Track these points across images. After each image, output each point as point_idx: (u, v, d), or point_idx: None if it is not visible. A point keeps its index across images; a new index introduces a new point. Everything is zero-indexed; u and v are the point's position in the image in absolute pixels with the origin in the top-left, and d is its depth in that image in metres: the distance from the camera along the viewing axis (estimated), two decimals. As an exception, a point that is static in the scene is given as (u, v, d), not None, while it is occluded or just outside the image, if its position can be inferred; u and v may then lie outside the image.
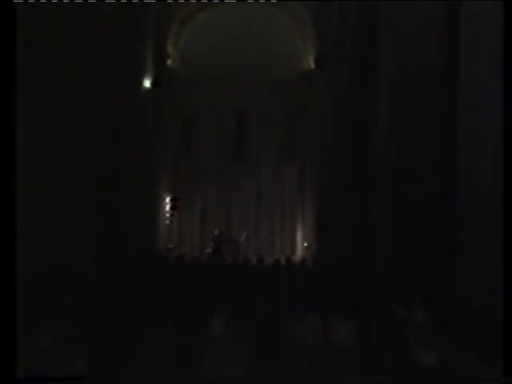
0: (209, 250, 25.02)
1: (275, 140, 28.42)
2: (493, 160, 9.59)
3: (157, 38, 22.17)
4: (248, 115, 28.74)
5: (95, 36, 13.20)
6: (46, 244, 10.95)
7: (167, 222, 25.53)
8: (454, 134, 10.86)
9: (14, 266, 5.16)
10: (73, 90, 12.26)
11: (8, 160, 5.26)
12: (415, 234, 11.52)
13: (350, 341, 6.80)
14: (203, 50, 26.04)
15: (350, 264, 14.38)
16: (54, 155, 11.60)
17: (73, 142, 12.22)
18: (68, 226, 12.01)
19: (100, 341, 6.59)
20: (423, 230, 11.43)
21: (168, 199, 25.30)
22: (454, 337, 7.37)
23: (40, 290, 8.13)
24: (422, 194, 11.62)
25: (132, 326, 6.93)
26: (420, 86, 11.79)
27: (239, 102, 27.85)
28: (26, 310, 5.30)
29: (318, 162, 22.85)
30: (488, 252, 9.54)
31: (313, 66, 24.82)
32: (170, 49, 25.25)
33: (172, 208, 25.46)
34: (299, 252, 26.32)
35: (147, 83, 20.52)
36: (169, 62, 25.26)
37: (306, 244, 25.63)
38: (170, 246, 24.98)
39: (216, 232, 25.82)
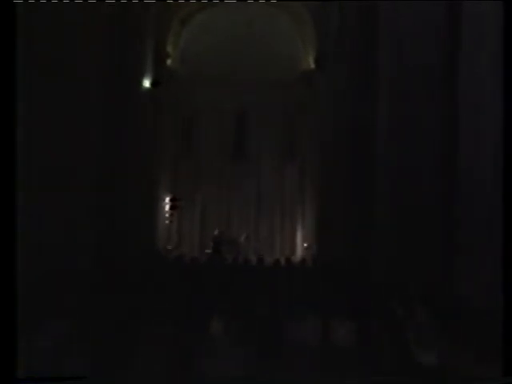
0: (208, 251, 25.01)
1: (275, 140, 28.42)
2: (493, 160, 9.58)
3: (157, 38, 22.16)
4: (248, 115, 28.74)
5: (95, 36, 13.19)
6: (45, 244, 10.94)
7: (167, 222, 25.52)
8: (454, 134, 10.85)
9: (14, 266, 5.16)
10: (73, 90, 12.25)
11: (8, 160, 5.26)
12: (415, 234, 11.51)
13: (350, 341, 6.80)
14: (203, 49, 26.05)
15: (349, 264, 14.38)
16: (54, 155, 11.60)
17: (73, 142, 12.22)
18: (68, 225, 12.01)
19: (100, 341, 6.59)
20: (423, 229, 11.42)
21: (168, 199, 25.29)
22: (454, 337, 7.37)
23: (40, 290, 8.13)
24: (422, 193, 11.61)
25: (132, 326, 6.93)
26: (420, 86, 11.78)
27: (239, 102, 27.85)
28: (26, 309, 5.29)
29: (318, 162, 22.85)
30: (488, 252, 9.53)
31: (313, 66, 24.82)
32: (169, 49, 25.25)
33: (172, 208, 25.45)
34: (299, 252, 26.32)
35: (147, 83, 20.51)
36: (169, 62, 25.26)
37: (305, 244, 25.63)
38: (170, 247, 24.98)
39: (216, 232, 25.82)
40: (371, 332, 7.09)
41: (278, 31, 26.01)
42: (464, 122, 10.65)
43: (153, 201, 22.44)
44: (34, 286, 7.59)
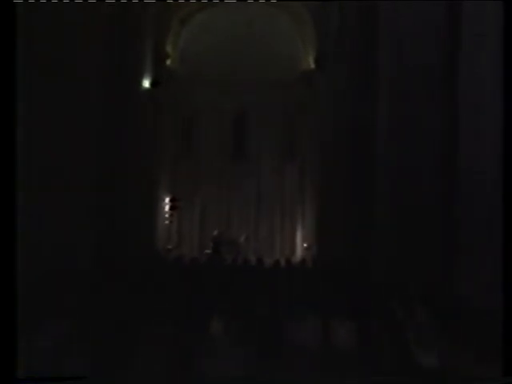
0: (208, 251, 25.00)
1: (275, 140, 28.40)
2: (493, 160, 9.58)
3: (156, 38, 22.17)
4: (248, 115, 28.73)
5: (95, 36, 13.20)
6: (46, 244, 10.95)
7: (167, 222, 25.50)
8: (454, 134, 10.85)
9: (14, 266, 5.16)
10: (73, 89, 12.26)
11: (8, 160, 5.26)
12: (415, 234, 11.51)
13: (350, 341, 6.80)
14: (203, 49, 26.04)
15: (350, 264, 14.38)
16: (54, 155, 11.60)
17: (73, 142, 12.22)
18: (68, 225, 12.01)
19: (100, 341, 6.59)
20: (423, 229, 11.42)
21: (167, 199, 25.28)
22: (454, 337, 7.37)
23: (40, 290, 8.13)
24: (422, 193, 11.61)
25: (132, 326, 6.93)
26: (420, 86, 11.78)
27: (239, 102, 27.84)
28: (26, 309, 5.30)
29: (318, 162, 22.84)
30: (488, 252, 9.53)
31: (313, 66, 24.81)
32: (169, 49, 25.24)
33: (171, 208, 25.43)
34: (299, 252, 26.31)
35: (147, 83, 20.51)
36: (168, 61, 25.24)
37: (305, 244, 25.62)
38: (170, 247, 24.95)
39: (215, 232, 25.80)
40: (371, 332, 7.09)
41: (278, 31, 26.01)
42: (464, 121, 10.65)
43: (153, 201, 22.44)
44: (34, 286, 7.59)
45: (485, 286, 9.28)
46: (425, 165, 11.68)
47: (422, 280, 10.42)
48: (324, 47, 22.42)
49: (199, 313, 7.49)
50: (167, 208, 25.27)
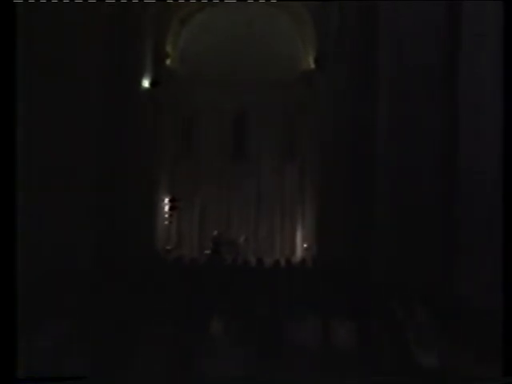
0: (208, 251, 25.00)
1: (275, 140, 28.41)
2: (493, 160, 9.58)
3: (156, 38, 22.18)
4: (248, 115, 28.73)
5: (95, 36, 13.20)
6: (46, 244, 10.95)
7: (166, 222, 25.49)
8: (454, 134, 10.85)
9: (14, 266, 5.16)
10: (73, 89, 12.27)
11: (8, 160, 5.26)
12: (415, 234, 11.51)
13: (350, 341, 6.80)
14: (203, 49, 26.04)
15: (350, 264, 14.38)
16: (54, 155, 11.60)
17: (73, 142, 12.22)
18: (68, 226, 12.01)
19: (100, 341, 6.59)
20: (423, 229, 11.42)
21: (167, 200, 25.27)
22: (454, 337, 7.37)
23: (40, 290, 8.13)
24: (422, 193, 11.61)
25: (132, 326, 6.93)
26: (420, 86, 11.78)
27: (239, 102, 27.84)
28: (26, 309, 5.29)
29: (318, 162, 22.84)
30: (488, 252, 9.53)
31: (313, 66, 24.82)
32: (169, 49, 25.25)
33: (171, 208, 25.43)
34: (299, 252, 26.31)
35: (146, 83, 20.51)
36: (168, 61, 25.25)
37: (305, 245, 25.61)
38: (169, 247, 24.95)
39: (215, 233, 25.80)
40: (371, 332, 7.08)
41: (278, 31, 26.01)
42: (464, 121, 10.64)
43: (152, 201, 22.44)
44: (34, 286, 7.59)
45: (485, 286, 9.28)
46: (425, 165, 11.68)
47: (422, 280, 10.42)
48: (324, 47, 22.43)
49: (199, 313, 7.49)
50: (167, 208, 25.26)
